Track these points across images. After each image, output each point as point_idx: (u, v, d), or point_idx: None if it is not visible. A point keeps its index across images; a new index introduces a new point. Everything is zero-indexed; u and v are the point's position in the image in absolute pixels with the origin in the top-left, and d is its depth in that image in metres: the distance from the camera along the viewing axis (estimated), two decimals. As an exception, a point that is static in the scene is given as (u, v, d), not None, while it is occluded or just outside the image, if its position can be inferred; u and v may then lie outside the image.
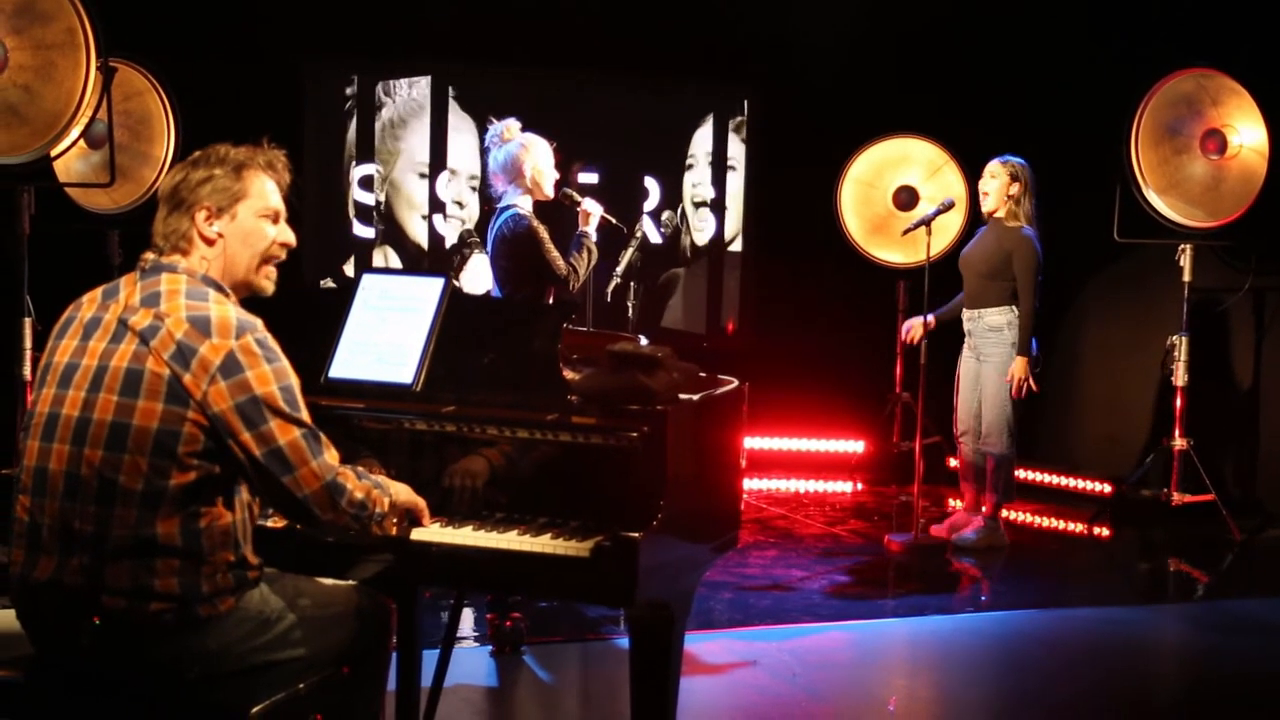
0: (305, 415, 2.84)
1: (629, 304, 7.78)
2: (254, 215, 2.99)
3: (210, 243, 2.94)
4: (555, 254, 5.35)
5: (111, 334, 2.83)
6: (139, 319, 2.80)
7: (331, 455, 2.86)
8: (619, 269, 6.19)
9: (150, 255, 2.94)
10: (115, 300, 2.88)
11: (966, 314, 7.07)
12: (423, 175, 8.87)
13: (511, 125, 5.50)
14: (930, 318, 7.09)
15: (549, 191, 5.51)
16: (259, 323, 2.85)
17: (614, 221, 5.81)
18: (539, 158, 5.44)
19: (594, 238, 5.58)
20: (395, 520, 3.03)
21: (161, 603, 2.74)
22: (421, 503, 3.15)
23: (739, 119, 9.34)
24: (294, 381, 2.85)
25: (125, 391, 2.76)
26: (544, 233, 5.36)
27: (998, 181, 6.90)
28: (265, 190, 3.00)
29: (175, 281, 2.86)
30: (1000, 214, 6.94)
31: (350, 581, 3.15)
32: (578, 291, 5.59)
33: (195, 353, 2.75)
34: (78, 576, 2.74)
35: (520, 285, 5.36)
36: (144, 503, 2.73)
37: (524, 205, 5.41)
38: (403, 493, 3.09)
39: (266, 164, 3.01)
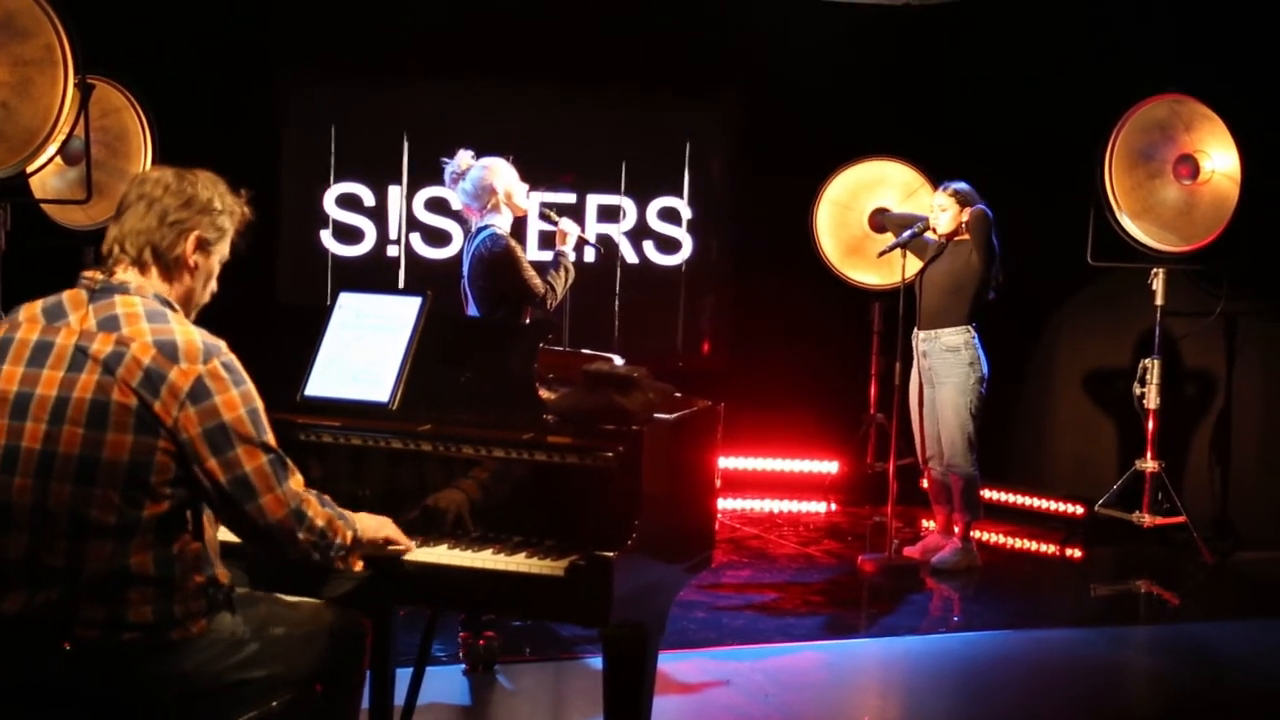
0: (271, 438, 2.82)
1: (615, 323, 7.82)
2: (219, 262, 2.99)
3: (190, 271, 2.91)
4: (532, 273, 5.37)
5: (69, 362, 2.75)
6: (100, 346, 2.74)
7: (296, 481, 2.85)
8: (618, 288, 6.23)
9: (98, 275, 2.85)
10: (65, 323, 2.80)
11: (922, 335, 7.11)
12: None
13: (464, 156, 5.53)
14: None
15: (523, 204, 5.54)
16: (223, 344, 2.82)
17: (590, 242, 5.85)
18: (505, 175, 5.46)
19: (571, 256, 5.61)
20: (359, 555, 3.01)
21: (134, 632, 2.72)
22: (392, 532, 3.14)
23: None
24: (259, 404, 2.83)
25: (91, 424, 2.70)
26: (520, 252, 5.38)
27: (949, 212, 7.00)
28: (229, 243, 2.99)
29: (131, 304, 2.80)
30: (959, 236, 7.04)
31: (324, 600, 3.14)
32: (554, 311, 5.61)
33: (165, 379, 2.71)
34: (48, 610, 2.70)
35: (497, 305, 5.37)
36: (118, 535, 2.70)
37: (501, 225, 5.43)
38: (370, 527, 3.06)
39: (244, 221, 2.99)
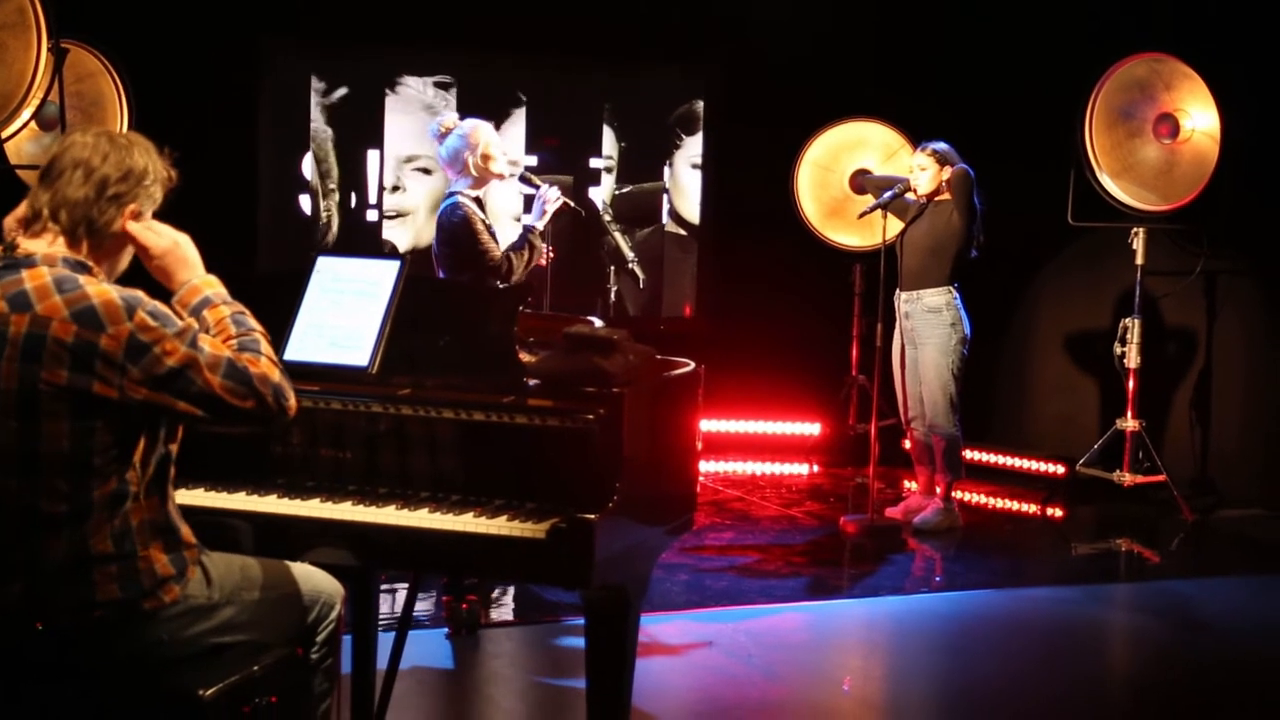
0: (213, 349, 2.70)
1: (609, 288, 7.73)
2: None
3: (121, 244, 2.82)
4: (489, 243, 5.32)
5: None
6: (15, 330, 2.61)
7: (261, 367, 2.74)
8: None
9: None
10: None
11: (904, 296, 7.12)
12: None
13: (447, 119, 5.50)
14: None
15: (501, 169, 5.49)
16: (141, 293, 2.69)
17: (573, 205, 5.82)
18: (483, 141, 5.42)
19: (540, 230, 5.56)
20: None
21: (105, 610, 2.69)
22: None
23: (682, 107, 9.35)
24: (195, 329, 2.71)
25: (23, 416, 2.61)
26: (479, 222, 5.34)
27: (928, 172, 6.99)
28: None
29: (38, 275, 2.66)
30: (939, 196, 7.03)
31: (297, 562, 3.12)
32: (537, 275, 5.59)
33: (95, 350, 2.60)
34: (15, 600, 2.67)
35: (459, 271, 5.34)
36: (72, 522, 2.64)
37: (472, 191, 5.40)
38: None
39: (171, 185, 2.89)
